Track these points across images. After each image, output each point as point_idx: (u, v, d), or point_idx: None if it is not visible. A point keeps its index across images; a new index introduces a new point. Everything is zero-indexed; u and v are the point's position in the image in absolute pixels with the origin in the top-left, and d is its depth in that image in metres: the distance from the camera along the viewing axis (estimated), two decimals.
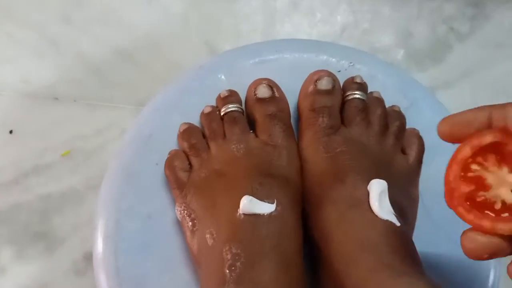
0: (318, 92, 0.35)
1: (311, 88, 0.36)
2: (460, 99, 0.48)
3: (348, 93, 0.36)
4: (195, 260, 0.34)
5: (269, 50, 0.39)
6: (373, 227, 0.30)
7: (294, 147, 0.36)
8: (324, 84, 0.35)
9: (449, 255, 0.36)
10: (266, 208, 0.31)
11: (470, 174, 0.22)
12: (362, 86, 0.36)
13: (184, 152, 0.36)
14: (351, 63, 0.40)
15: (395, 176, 0.33)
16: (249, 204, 0.31)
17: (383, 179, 0.31)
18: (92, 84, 0.46)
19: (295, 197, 0.34)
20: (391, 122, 0.36)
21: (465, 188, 0.22)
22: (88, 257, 0.42)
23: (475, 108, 0.23)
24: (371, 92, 0.37)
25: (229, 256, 0.29)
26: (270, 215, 0.31)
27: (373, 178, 0.31)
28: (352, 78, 0.37)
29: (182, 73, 0.40)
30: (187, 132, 0.36)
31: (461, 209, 0.22)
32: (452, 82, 0.49)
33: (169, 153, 0.36)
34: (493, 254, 0.22)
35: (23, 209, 0.43)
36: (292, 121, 0.37)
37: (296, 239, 0.32)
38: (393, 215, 0.30)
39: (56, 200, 0.44)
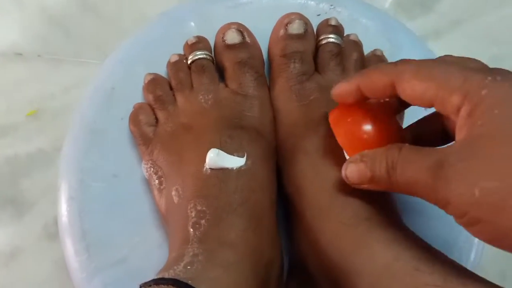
0: (289, 37, 0.33)
1: (281, 32, 0.33)
2: (451, 49, 0.45)
3: (322, 37, 0.33)
4: (164, 220, 0.32)
5: None
6: None
7: (267, 97, 0.33)
8: (295, 28, 0.32)
9: (431, 215, 0.34)
10: (234, 162, 0.29)
11: None
12: (338, 29, 0.34)
13: (150, 105, 0.33)
14: (331, 5, 0.36)
15: None
16: (216, 158, 0.29)
17: None
18: (57, 40, 0.43)
19: (268, 150, 0.31)
20: None
21: None
22: None
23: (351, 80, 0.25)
24: (348, 35, 0.34)
25: (193, 214, 0.27)
26: (239, 169, 0.29)
27: None
28: (327, 20, 0.34)
29: (148, 22, 0.36)
30: (152, 83, 0.33)
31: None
32: (443, 32, 0.46)
33: (134, 107, 0.33)
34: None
35: None
36: (267, 69, 0.34)
37: (268, 195, 0.30)
38: None
39: (23, 163, 0.41)
